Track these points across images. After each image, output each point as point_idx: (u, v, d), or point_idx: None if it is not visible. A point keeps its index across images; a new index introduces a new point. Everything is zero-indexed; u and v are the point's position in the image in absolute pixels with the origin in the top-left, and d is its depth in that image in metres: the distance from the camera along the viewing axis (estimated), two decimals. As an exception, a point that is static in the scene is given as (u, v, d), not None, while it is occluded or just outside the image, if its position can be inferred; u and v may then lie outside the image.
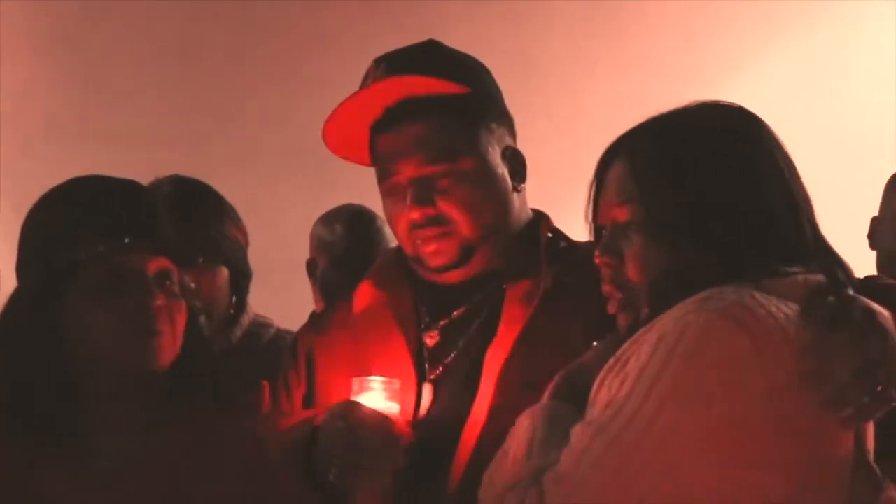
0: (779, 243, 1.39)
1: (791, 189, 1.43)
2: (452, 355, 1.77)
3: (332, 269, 2.80)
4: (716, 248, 1.37)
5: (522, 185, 1.82)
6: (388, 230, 2.70)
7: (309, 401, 1.87)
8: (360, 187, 1.85)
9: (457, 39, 1.87)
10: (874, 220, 2.56)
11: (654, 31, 4.26)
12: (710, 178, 1.39)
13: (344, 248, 2.80)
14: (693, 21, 4.25)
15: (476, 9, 4.14)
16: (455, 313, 1.79)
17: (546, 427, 1.40)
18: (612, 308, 1.47)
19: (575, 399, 1.42)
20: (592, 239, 1.50)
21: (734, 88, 3.99)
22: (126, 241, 1.60)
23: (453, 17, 4.03)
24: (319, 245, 2.86)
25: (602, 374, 1.36)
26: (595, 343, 1.54)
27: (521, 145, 1.86)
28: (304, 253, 2.91)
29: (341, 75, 1.89)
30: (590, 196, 1.50)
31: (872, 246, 2.53)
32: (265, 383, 1.88)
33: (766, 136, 1.45)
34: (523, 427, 1.42)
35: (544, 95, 4.12)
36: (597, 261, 1.46)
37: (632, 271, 1.42)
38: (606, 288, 1.46)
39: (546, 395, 1.49)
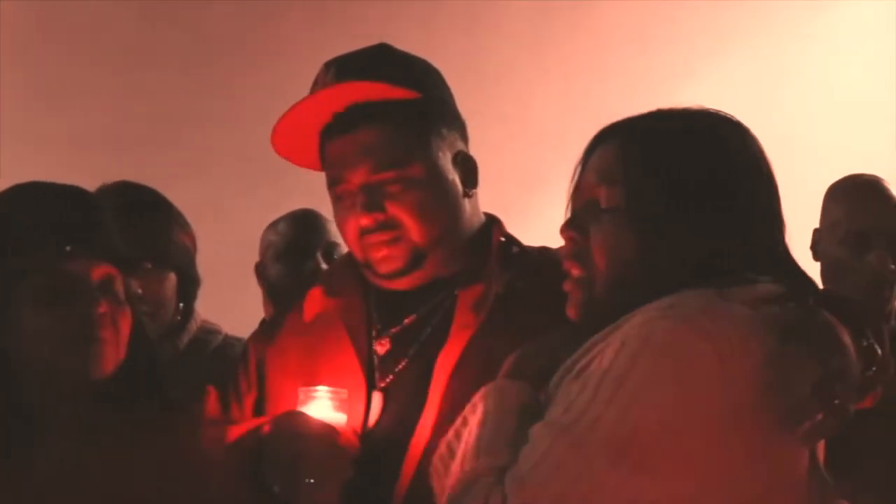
0: (751, 252, 1.39)
1: (770, 202, 1.44)
2: (403, 363, 1.76)
3: (274, 263, 2.81)
4: (688, 246, 1.37)
5: (474, 191, 1.81)
6: (332, 227, 2.71)
7: (259, 408, 1.84)
8: (315, 193, 1.84)
9: (410, 44, 1.85)
10: (816, 232, 2.59)
11: (606, 36, 4.28)
12: (696, 179, 1.40)
13: (285, 242, 2.81)
14: (645, 27, 4.28)
15: (430, 14, 4.13)
16: (406, 320, 1.78)
17: (498, 417, 1.38)
18: (567, 286, 1.46)
19: (529, 378, 1.42)
20: (570, 217, 1.49)
21: (686, 93, 4.00)
22: (70, 247, 1.59)
23: (407, 22, 4.02)
24: (265, 246, 2.87)
25: (560, 372, 1.35)
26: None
27: (475, 150, 1.85)
28: (253, 257, 2.90)
29: (295, 81, 1.87)
30: (574, 176, 1.49)
31: (816, 257, 2.56)
32: (211, 389, 1.86)
33: (756, 149, 1.46)
34: (476, 415, 1.41)
35: (498, 100, 4.12)
36: (562, 234, 1.46)
37: (596, 252, 1.42)
38: (566, 263, 1.45)
39: (501, 373, 1.49)
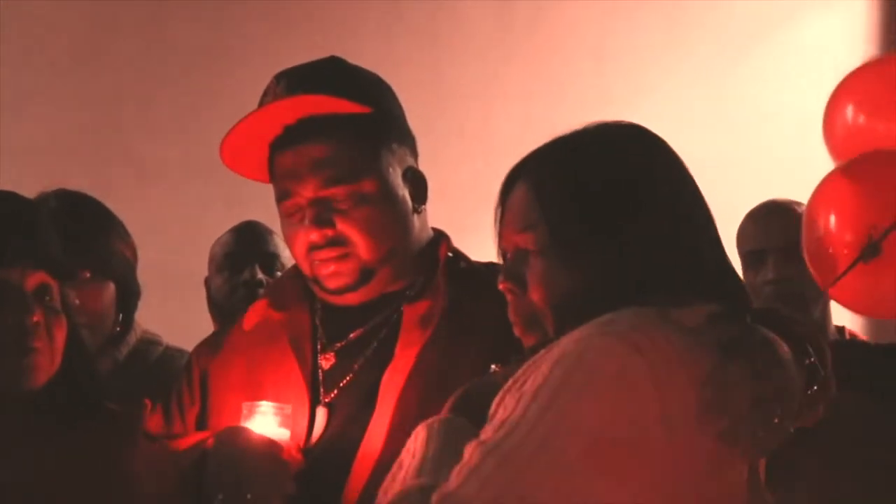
0: (681, 266, 1.38)
1: (692, 211, 1.42)
2: (348, 378, 1.74)
3: (215, 275, 2.80)
4: (619, 269, 1.36)
5: (423, 206, 1.80)
6: (275, 238, 2.71)
7: (203, 421, 1.82)
8: (266, 203, 1.82)
9: (371, 59, 1.84)
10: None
11: (566, 53, 4.31)
12: (613, 199, 1.38)
13: (224, 254, 2.80)
14: (602, 44, 4.31)
15: (391, 30, 4.13)
16: (352, 335, 1.76)
17: (441, 442, 1.37)
18: (517, 331, 1.45)
19: (473, 415, 1.40)
20: (504, 269, 1.47)
21: (641, 109, 4.05)
22: (2, 254, 1.55)
23: (367, 36, 4.01)
24: (210, 259, 2.85)
25: (501, 392, 1.34)
26: (493, 367, 1.51)
27: (433, 164, 1.84)
28: (205, 269, 2.88)
29: (252, 91, 1.86)
30: (495, 222, 1.48)
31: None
32: (147, 401, 1.83)
33: (667, 155, 1.44)
34: (418, 441, 1.40)
35: (457, 116, 4.13)
36: (500, 287, 1.44)
37: (536, 295, 1.40)
38: (511, 314, 1.44)
39: (445, 409, 1.47)
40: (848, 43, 4.45)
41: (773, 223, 2.47)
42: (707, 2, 4.44)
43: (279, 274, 2.64)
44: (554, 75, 4.27)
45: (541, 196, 1.40)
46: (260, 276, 2.70)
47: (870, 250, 2.04)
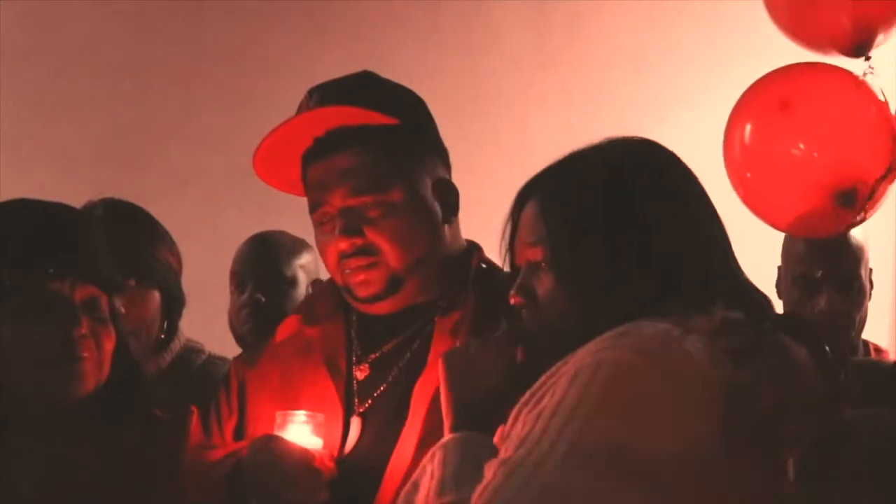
0: (688, 279, 1.39)
1: (700, 223, 1.43)
2: (381, 388, 1.76)
3: (232, 295, 2.80)
4: (625, 287, 1.37)
5: (454, 218, 1.82)
6: (284, 251, 2.71)
7: (240, 432, 1.85)
8: (303, 211, 1.85)
9: (406, 66, 1.86)
10: (779, 269, 2.57)
11: (603, 62, 4.29)
12: (615, 216, 1.40)
13: (232, 272, 2.80)
14: (640, 54, 4.29)
15: (427, 37, 4.14)
16: (386, 347, 1.79)
17: (459, 459, 1.39)
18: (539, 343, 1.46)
19: (481, 422, 1.43)
20: (517, 283, 1.49)
21: (679, 119, 4.03)
22: (53, 267, 1.59)
23: (404, 44, 4.03)
24: (230, 278, 2.85)
25: (518, 407, 1.35)
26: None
27: (469, 174, 1.85)
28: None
29: (287, 98, 1.88)
30: (503, 236, 1.51)
31: (779, 295, 2.54)
32: (195, 409, 1.86)
33: (675, 170, 1.46)
34: (435, 461, 1.41)
35: (493, 124, 4.13)
36: (511, 301, 1.47)
37: (544, 309, 1.43)
38: (529, 326, 1.46)
39: (447, 422, 1.49)
40: (891, 52, 4.42)
41: (831, 252, 2.44)
42: (747, 11, 4.41)
43: (285, 289, 2.65)
44: (591, 84, 4.26)
45: (546, 216, 1.43)
46: (258, 296, 2.69)
47: None
